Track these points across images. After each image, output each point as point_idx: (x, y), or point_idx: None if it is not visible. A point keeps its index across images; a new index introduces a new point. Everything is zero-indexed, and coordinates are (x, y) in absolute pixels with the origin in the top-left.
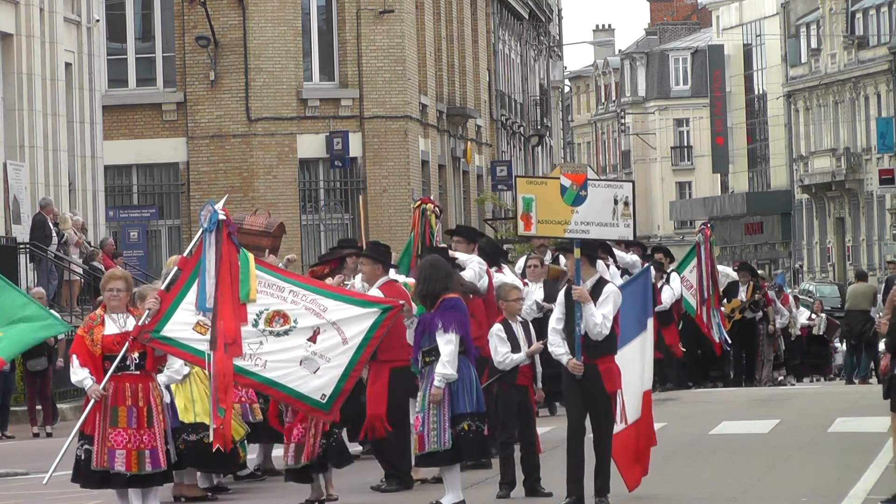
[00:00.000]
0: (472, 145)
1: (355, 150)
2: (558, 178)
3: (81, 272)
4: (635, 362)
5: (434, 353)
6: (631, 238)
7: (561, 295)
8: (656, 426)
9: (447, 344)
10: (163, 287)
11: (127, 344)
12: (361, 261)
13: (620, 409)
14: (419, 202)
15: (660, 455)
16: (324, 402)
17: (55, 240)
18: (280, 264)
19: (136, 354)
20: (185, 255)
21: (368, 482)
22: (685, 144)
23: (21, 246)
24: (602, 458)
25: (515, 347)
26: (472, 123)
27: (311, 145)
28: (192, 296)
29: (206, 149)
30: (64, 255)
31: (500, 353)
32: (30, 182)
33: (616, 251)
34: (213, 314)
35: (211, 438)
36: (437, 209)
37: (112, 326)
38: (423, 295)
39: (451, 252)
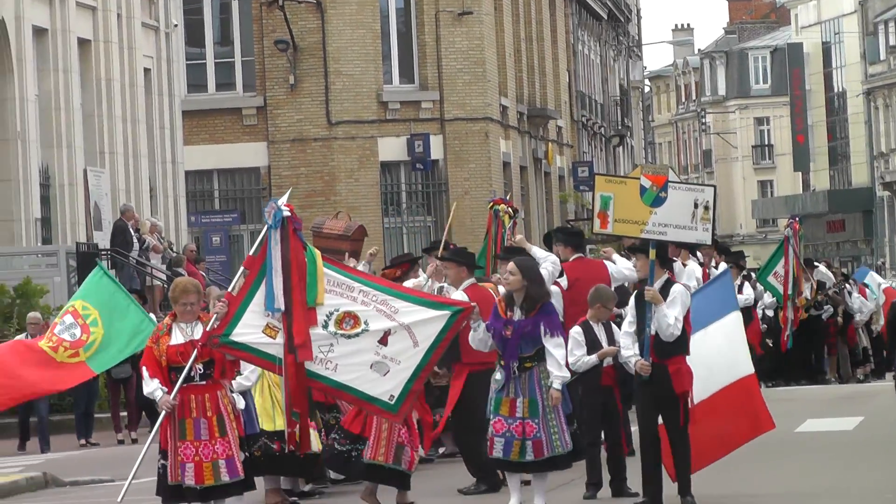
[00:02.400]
0: (553, 146)
1: (436, 152)
2: (638, 179)
3: (164, 277)
4: (708, 349)
5: (535, 358)
6: (709, 242)
7: (632, 299)
8: None
9: (558, 347)
10: (229, 289)
11: (194, 354)
12: (445, 265)
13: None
14: (492, 203)
15: (745, 453)
16: (392, 403)
17: (136, 245)
18: (363, 263)
19: (200, 365)
20: (250, 253)
21: (454, 485)
22: (766, 143)
23: (102, 252)
24: (680, 457)
25: (595, 349)
26: (553, 124)
27: (392, 148)
28: (259, 297)
29: (287, 153)
30: (145, 261)
31: (575, 355)
32: (110, 188)
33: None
34: (283, 315)
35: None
36: (510, 209)
37: (178, 336)
38: (528, 297)
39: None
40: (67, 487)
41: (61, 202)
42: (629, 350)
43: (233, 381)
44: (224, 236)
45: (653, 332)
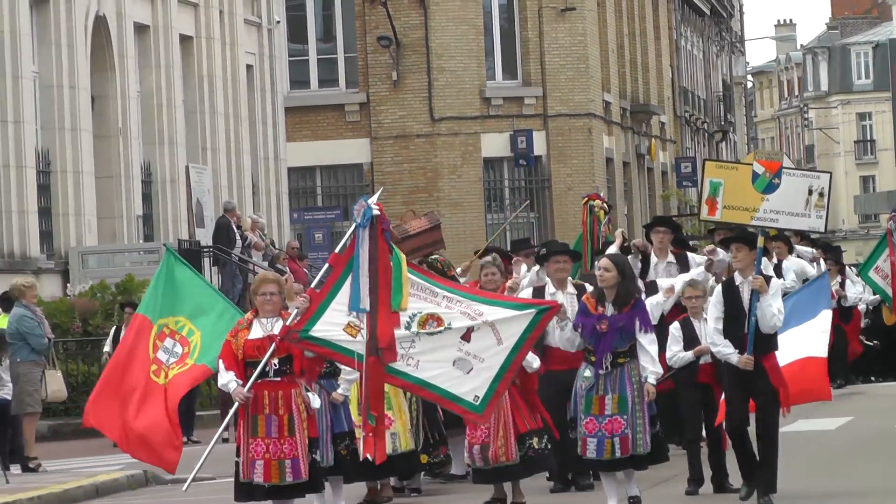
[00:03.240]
0: (656, 142)
1: (539, 148)
2: (751, 165)
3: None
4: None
5: (628, 353)
6: (822, 229)
7: (718, 292)
8: (842, 421)
9: (651, 344)
10: (312, 285)
11: (272, 348)
12: (561, 258)
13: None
14: (586, 199)
15: (844, 449)
16: (476, 403)
17: (238, 243)
18: (458, 271)
19: (276, 361)
20: (336, 251)
21: (545, 485)
22: (868, 138)
23: (205, 249)
24: (768, 455)
25: (693, 346)
26: (656, 120)
27: (495, 144)
28: (343, 295)
29: (390, 149)
30: (247, 258)
31: (672, 350)
32: (212, 185)
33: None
34: (367, 316)
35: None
36: (605, 205)
37: (258, 330)
38: (620, 293)
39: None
40: (169, 485)
41: (163, 199)
42: (728, 347)
43: (342, 379)
44: (326, 233)
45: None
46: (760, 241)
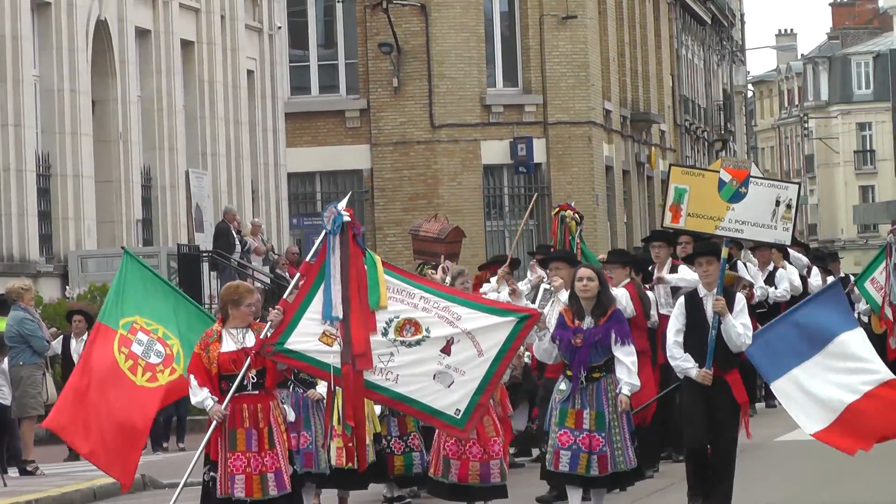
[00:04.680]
0: (655, 150)
1: (539, 155)
2: (717, 172)
3: (268, 280)
4: (827, 367)
5: (604, 368)
6: (788, 242)
7: (680, 304)
8: None
9: (629, 356)
10: (284, 296)
11: (248, 362)
12: (557, 265)
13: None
14: (557, 209)
15: (843, 458)
16: (458, 417)
17: (238, 248)
18: (448, 277)
19: (253, 373)
20: (307, 259)
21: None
22: (868, 148)
23: (204, 254)
24: (724, 473)
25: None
26: (656, 128)
27: (494, 151)
28: (317, 304)
29: (390, 155)
30: (247, 263)
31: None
32: (212, 190)
33: (791, 251)
34: (341, 324)
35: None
36: (576, 216)
37: (229, 343)
38: (599, 304)
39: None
40: (166, 489)
41: (163, 204)
42: (687, 361)
43: (321, 386)
44: None
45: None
46: (724, 252)
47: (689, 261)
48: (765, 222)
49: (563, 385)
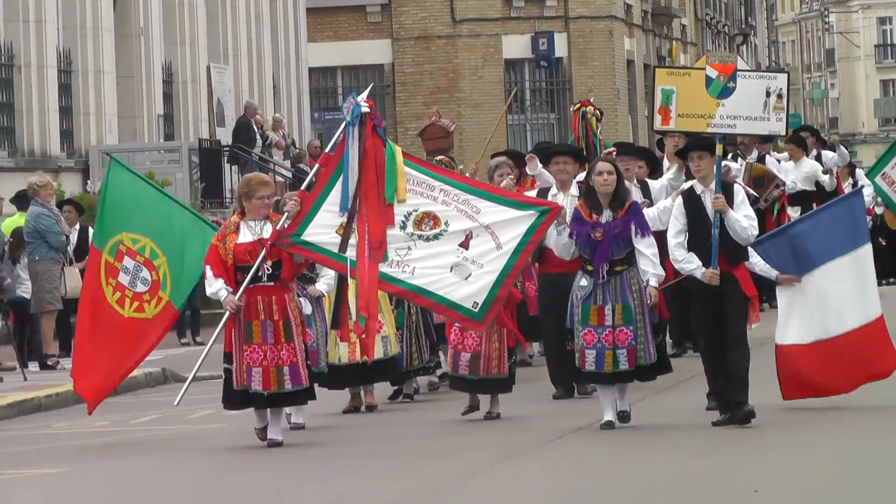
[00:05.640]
0: (677, 44)
1: (560, 50)
2: (703, 69)
3: (290, 175)
4: (840, 285)
5: (626, 261)
6: (783, 133)
7: (679, 204)
8: None
9: (650, 247)
10: (303, 187)
11: (262, 253)
12: (563, 159)
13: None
14: (578, 105)
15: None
16: (476, 310)
17: (259, 142)
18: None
19: (269, 265)
20: (327, 151)
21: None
22: (889, 42)
23: (225, 148)
24: (740, 365)
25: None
26: (677, 23)
27: (516, 46)
28: (335, 196)
29: (412, 50)
30: (268, 158)
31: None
32: (234, 85)
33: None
34: (352, 216)
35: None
36: (597, 112)
37: (246, 234)
38: (616, 196)
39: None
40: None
41: (184, 99)
42: (691, 262)
43: (322, 284)
44: None
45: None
46: (719, 150)
47: (682, 155)
48: (757, 115)
49: (583, 281)
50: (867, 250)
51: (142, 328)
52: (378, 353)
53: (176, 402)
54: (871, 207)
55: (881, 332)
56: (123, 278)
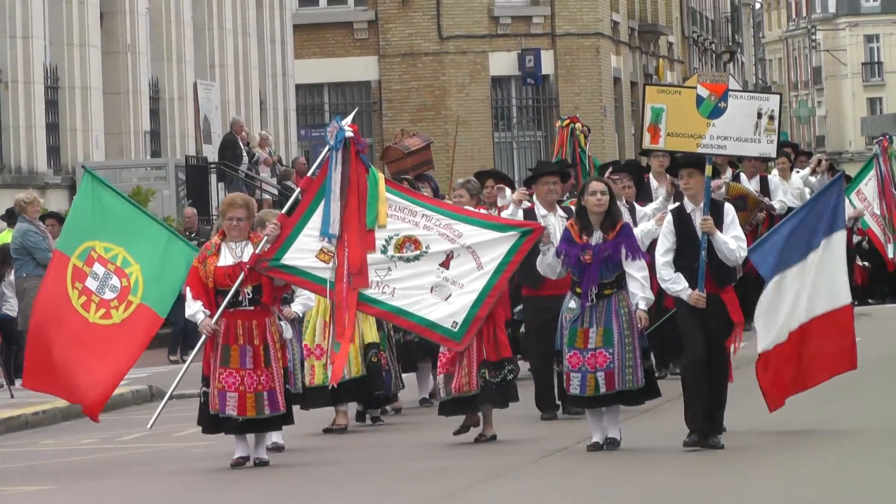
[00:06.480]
0: (663, 62)
1: (547, 67)
2: (694, 88)
3: (276, 192)
4: (814, 270)
5: (615, 284)
6: (773, 155)
7: (668, 221)
8: None
9: (640, 270)
10: (284, 211)
11: (241, 277)
12: (551, 179)
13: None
14: (567, 120)
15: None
16: (455, 330)
17: (245, 159)
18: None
19: (249, 289)
20: (309, 174)
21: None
22: (876, 60)
23: (212, 165)
24: (720, 391)
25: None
26: (664, 40)
27: (503, 63)
28: (315, 220)
29: (398, 67)
30: (255, 175)
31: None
32: (220, 102)
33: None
34: (336, 241)
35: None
36: (585, 128)
37: (227, 257)
38: (608, 217)
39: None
40: (173, 400)
41: (171, 115)
42: (678, 283)
43: (297, 304)
44: None
45: (706, 261)
46: (708, 170)
47: (672, 172)
48: (748, 136)
49: (572, 303)
50: (840, 236)
51: (110, 333)
52: (361, 371)
53: (149, 426)
54: (849, 227)
55: (846, 320)
56: (91, 283)
